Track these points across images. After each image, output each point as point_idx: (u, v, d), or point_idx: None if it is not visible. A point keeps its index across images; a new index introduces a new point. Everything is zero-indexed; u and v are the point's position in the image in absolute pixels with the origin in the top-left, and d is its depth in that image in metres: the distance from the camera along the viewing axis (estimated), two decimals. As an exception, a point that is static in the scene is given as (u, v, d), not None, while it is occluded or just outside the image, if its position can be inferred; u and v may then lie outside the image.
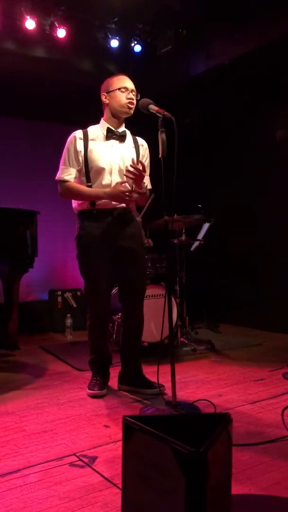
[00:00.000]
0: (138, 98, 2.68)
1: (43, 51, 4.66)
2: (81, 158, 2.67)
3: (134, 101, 2.70)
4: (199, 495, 1.11)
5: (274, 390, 2.78)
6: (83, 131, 2.73)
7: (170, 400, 2.38)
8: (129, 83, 2.73)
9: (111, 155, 2.69)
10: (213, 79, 4.76)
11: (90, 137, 2.71)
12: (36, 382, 3.07)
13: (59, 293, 5.08)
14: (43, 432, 2.20)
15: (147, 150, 2.86)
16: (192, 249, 4.32)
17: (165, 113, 2.37)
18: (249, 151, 4.96)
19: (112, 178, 2.67)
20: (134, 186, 2.67)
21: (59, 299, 5.05)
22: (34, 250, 3.75)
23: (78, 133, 2.72)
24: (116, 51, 4.88)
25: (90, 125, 2.79)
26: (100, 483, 1.71)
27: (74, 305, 5.07)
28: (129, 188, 2.66)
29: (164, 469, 1.16)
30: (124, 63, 4.86)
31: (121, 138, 2.76)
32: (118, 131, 2.75)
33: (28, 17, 4.29)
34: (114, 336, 3.70)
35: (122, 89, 2.69)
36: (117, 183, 2.62)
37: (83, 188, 2.67)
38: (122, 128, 2.79)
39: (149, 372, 2.81)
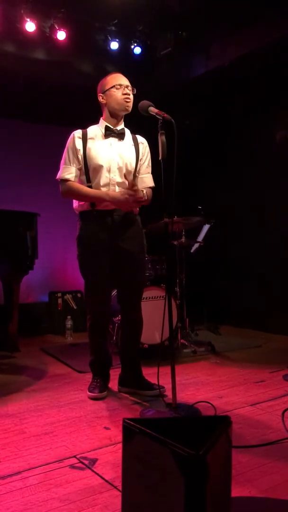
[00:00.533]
0: (135, 93, 2.69)
1: (43, 53, 4.67)
2: (80, 157, 2.67)
3: (131, 96, 2.71)
4: (199, 497, 1.11)
5: (274, 392, 2.78)
6: (82, 131, 2.74)
7: (170, 402, 2.38)
8: (123, 80, 2.73)
9: (109, 153, 2.69)
10: (213, 80, 4.77)
11: (89, 136, 2.71)
12: (36, 384, 3.07)
13: (59, 294, 5.07)
14: (43, 434, 2.20)
15: (147, 148, 2.85)
16: (192, 250, 4.31)
17: (165, 115, 2.38)
18: (249, 152, 4.96)
19: (110, 176, 2.66)
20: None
21: (59, 300, 5.04)
22: (34, 252, 3.76)
23: (77, 133, 2.72)
24: (116, 53, 4.89)
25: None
26: (100, 485, 1.71)
27: (74, 307, 5.06)
28: (133, 193, 2.63)
29: (164, 472, 1.16)
30: (124, 65, 4.84)
31: (120, 136, 2.75)
32: (116, 129, 2.75)
33: (28, 19, 4.31)
34: (114, 337, 3.70)
35: (117, 86, 2.69)
36: (127, 192, 2.59)
37: (85, 188, 2.66)
38: (121, 126, 2.79)
39: (149, 373, 2.81)
